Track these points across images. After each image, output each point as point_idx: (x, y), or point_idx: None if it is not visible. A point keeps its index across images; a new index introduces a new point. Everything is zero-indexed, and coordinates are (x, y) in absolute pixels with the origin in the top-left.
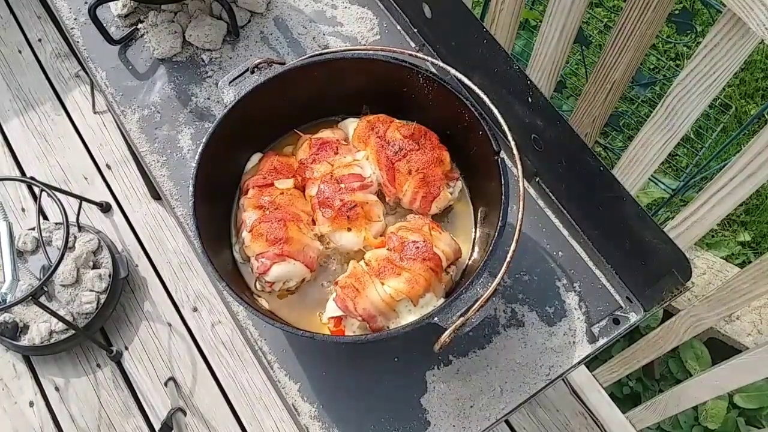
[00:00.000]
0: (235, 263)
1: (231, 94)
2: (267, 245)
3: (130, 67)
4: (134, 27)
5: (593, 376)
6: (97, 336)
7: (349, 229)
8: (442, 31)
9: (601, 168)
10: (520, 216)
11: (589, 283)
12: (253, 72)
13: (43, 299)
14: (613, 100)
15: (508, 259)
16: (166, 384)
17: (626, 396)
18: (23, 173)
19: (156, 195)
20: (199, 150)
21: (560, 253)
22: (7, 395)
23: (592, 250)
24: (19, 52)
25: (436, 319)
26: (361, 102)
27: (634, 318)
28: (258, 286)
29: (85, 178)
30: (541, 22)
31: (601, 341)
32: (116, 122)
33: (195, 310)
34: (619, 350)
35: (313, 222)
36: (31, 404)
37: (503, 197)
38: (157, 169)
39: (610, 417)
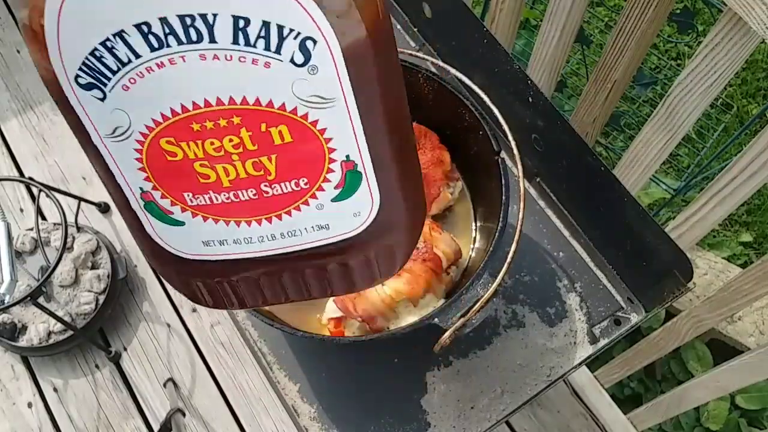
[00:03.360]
0: None
1: None
2: None
3: None
4: None
5: (594, 376)
6: (96, 337)
7: None
8: (442, 31)
9: (602, 168)
10: (520, 216)
11: (590, 284)
12: None
13: (41, 300)
14: (614, 99)
15: (508, 259)
16: (165, 385)
17: (627, 397)
18: (21, 173)
19: None
20: None
21: (561, 253)
22: (6, 396)
23: (593, 251)
24: (18, 51)
25: (436, 320)
26: None
27: (635, 319)
28: None
29: (84, 179)
30: (541, 21)
31: (603, 342)
32: None
33: (194, 310)
34: (621, 351)
35: None
36: (30, 405)
37: (504, 197)
38: None
39: (612, 418)
